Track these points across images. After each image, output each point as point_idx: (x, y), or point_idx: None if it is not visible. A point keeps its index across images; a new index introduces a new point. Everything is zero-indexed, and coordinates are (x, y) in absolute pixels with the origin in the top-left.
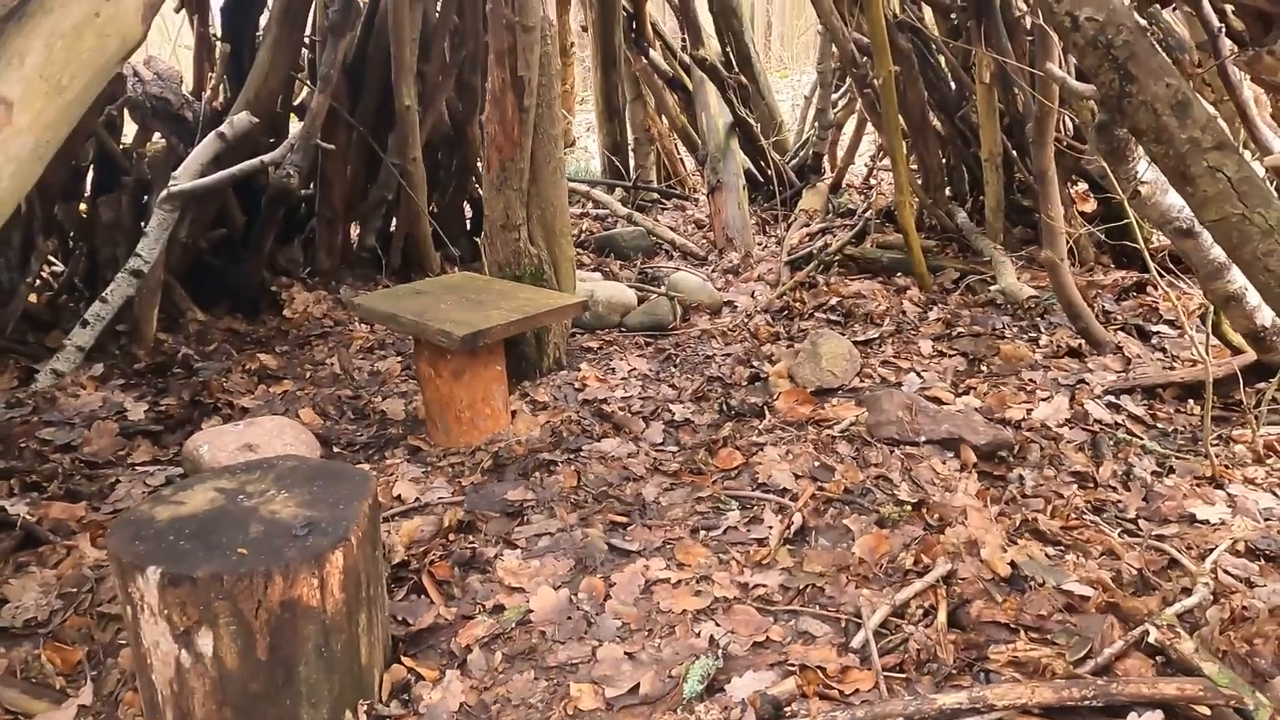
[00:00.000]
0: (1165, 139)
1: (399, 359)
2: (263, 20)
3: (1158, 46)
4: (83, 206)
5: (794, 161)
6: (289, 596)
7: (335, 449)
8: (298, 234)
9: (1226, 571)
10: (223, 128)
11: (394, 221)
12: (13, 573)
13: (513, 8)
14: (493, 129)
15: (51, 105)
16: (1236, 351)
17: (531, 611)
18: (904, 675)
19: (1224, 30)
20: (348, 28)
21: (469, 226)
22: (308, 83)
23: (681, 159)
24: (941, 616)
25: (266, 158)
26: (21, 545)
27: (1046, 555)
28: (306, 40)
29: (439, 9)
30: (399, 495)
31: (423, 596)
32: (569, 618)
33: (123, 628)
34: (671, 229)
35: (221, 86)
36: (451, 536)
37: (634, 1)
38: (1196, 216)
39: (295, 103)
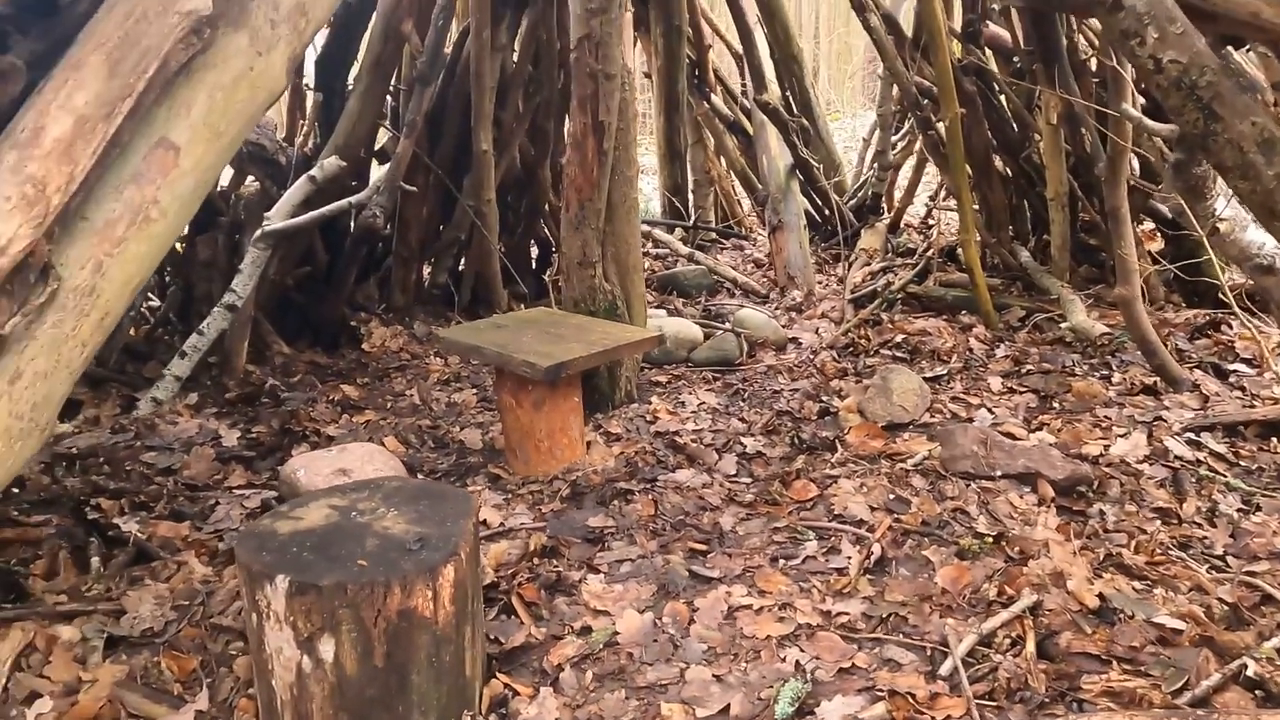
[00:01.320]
0: (1252, 175)
1: (474, 391)
2: (353, 71)
3: (1241, 86)
4: (180, 245)
5: (852, 202)
6: (406, 606)
7: (419, 475)
8: (374, 271)
9: None
10: (313, 171)
11: (464, 259)
12: (128, 586)
13: (596, 57)
14: (573, 171)
15: (211, 149)
16: None
17: (618, 634)
18: (995, 704)
19: None
20: (433, 78)
21: (535, 264)
22: (390, 128)
23: (739, 200)
24: (1030, 646)
25: (354, 199)
26: (134, 560)
27: (1134, 589)
28: (392, 89)
29: (516, 59)
30: (484, 520)
31: (513, 616)
32: (655, 640)
33: (234, 639)
34: (731, 268)
35: (313, 133)
36: (536, 560)
37: (697, 49)
38: None
39: (377, 147)
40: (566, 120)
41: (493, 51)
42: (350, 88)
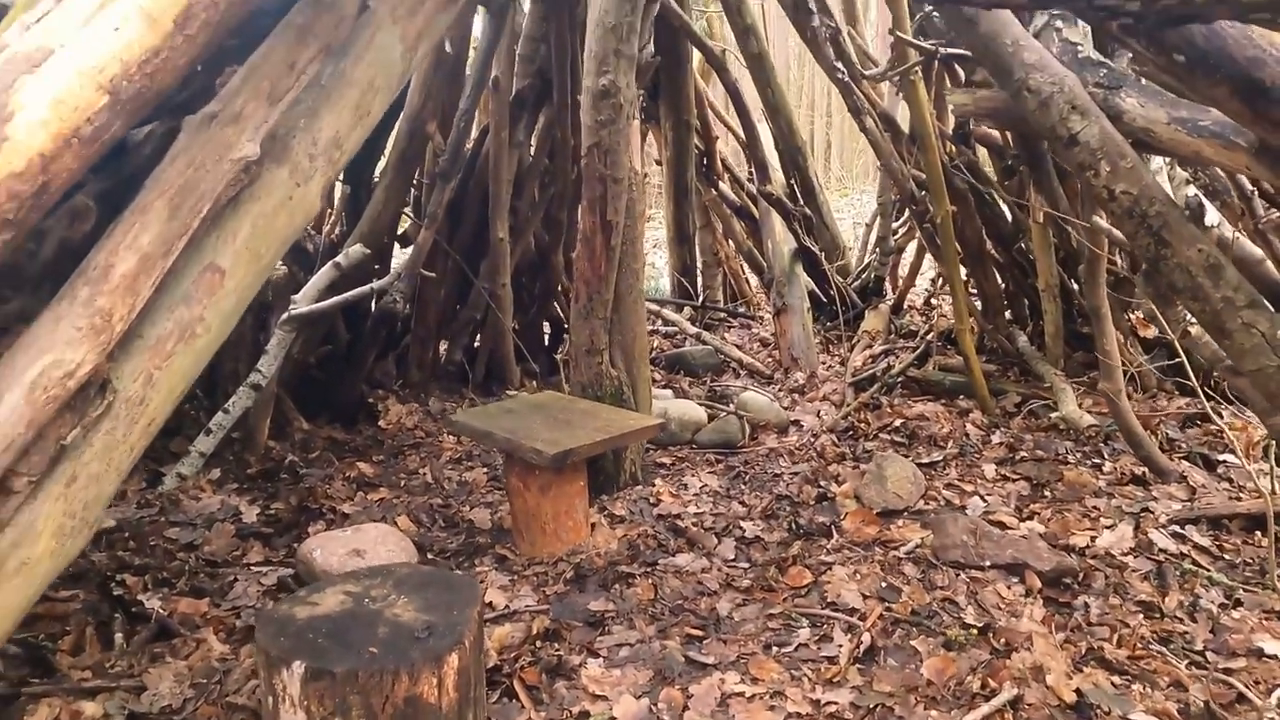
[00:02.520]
0: (1201, 297)
1: (485, 470)
2: (379, 165)
3: (1199, 196)
4: None
5: (856, 284)
6: (412, 693)
7: (429, 555)
8: (393, 348)
9: None
10: (339, 258)
11: (479, 337)
12: (150, 663)
13: (605, 163)
14: (582, 265)
15: (251, 270)
16: None
17: (615, 719)
18: None
19: (1257, 193)
20: (454, 174)
21: (547, 343)
22: (412, 217)
23: (747, 279)
24: None
25: (376, 285)
26: (156, 636)
27: (1113, 684)
28: (415, 182)
29: (532, 154)
30: (490, 602)
31: (514, 700)
32: None
33: (248, 718)
34: (738, 347)
35: (339, 222)
36: (539, 643)
37: (705, 139)
38: (1236, 366)
39: (399, 232)
40: (579, 210)
41: (510, 148)
42: (376, 181)
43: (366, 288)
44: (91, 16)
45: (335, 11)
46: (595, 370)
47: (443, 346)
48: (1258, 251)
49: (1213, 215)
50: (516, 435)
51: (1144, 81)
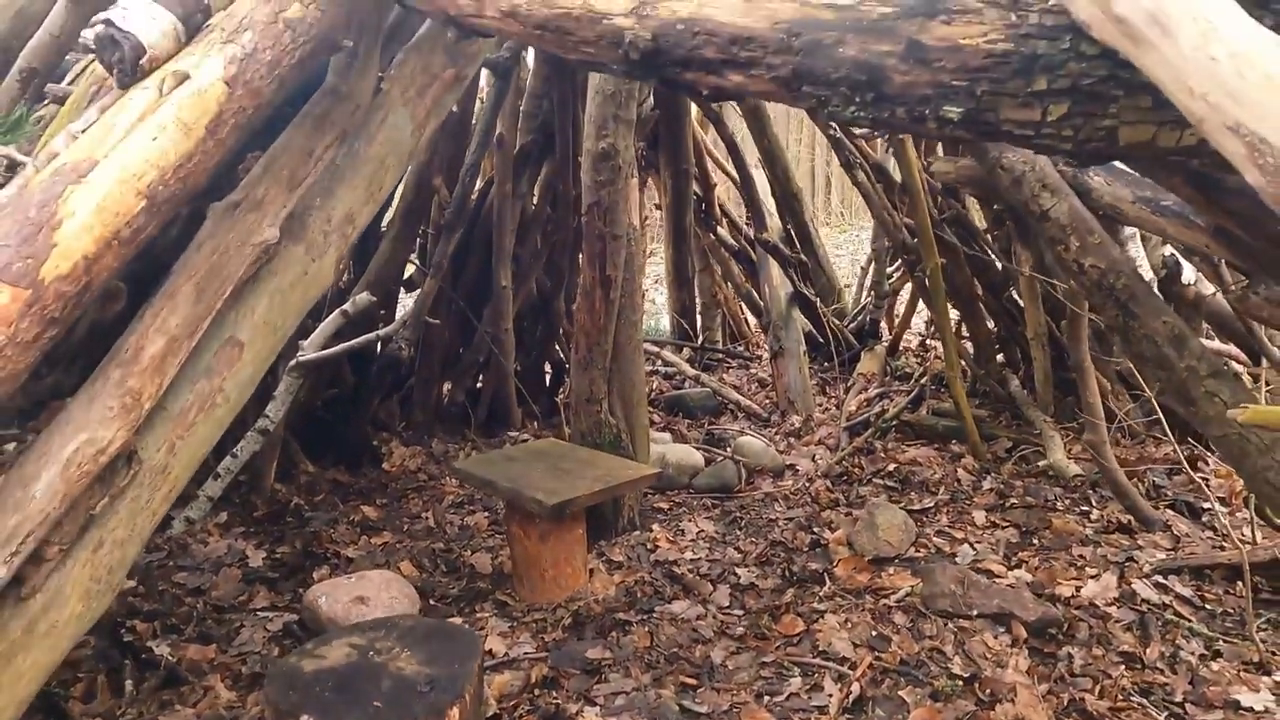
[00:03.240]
0: (1166, 366)
1: (485, 514)
2: (387, 216)
3: (1175, 255)
4: None
5: (852, 325)
6: None
7: (431, 600)
8: (396, 391)
9: None
10: (346, 306)
11: (482, 380)
12: (159, 710)
13: (604, 221)
14: (582, 317)
15: (268, 343)
16: None
17: None
18: None
19: (1224, 261)
20: (460, 225)
21: (548, 384)
22: (418, 264)
23: (746, 319)
24: None
25: (381, 333)
26: (165, 683)
27: None
28: (421, 232)
29: (534, 203)
30: (490, 650)
31: None
32: None
33: None
34: (736, 387)
35: (347, 269)
36: (537, 691)
37: (704, 186)
38: (1202, 432)
39: (404, 277)
40: (579, 258)
41: (513, 200)
42: (383, 231)
43: (373, 335)
44: (132, 127)
45: (351, 101)
46: (594, 418)
47: (446, 387)
48: (1230, 310)
49: (1189, 273)
50: (518, 484)
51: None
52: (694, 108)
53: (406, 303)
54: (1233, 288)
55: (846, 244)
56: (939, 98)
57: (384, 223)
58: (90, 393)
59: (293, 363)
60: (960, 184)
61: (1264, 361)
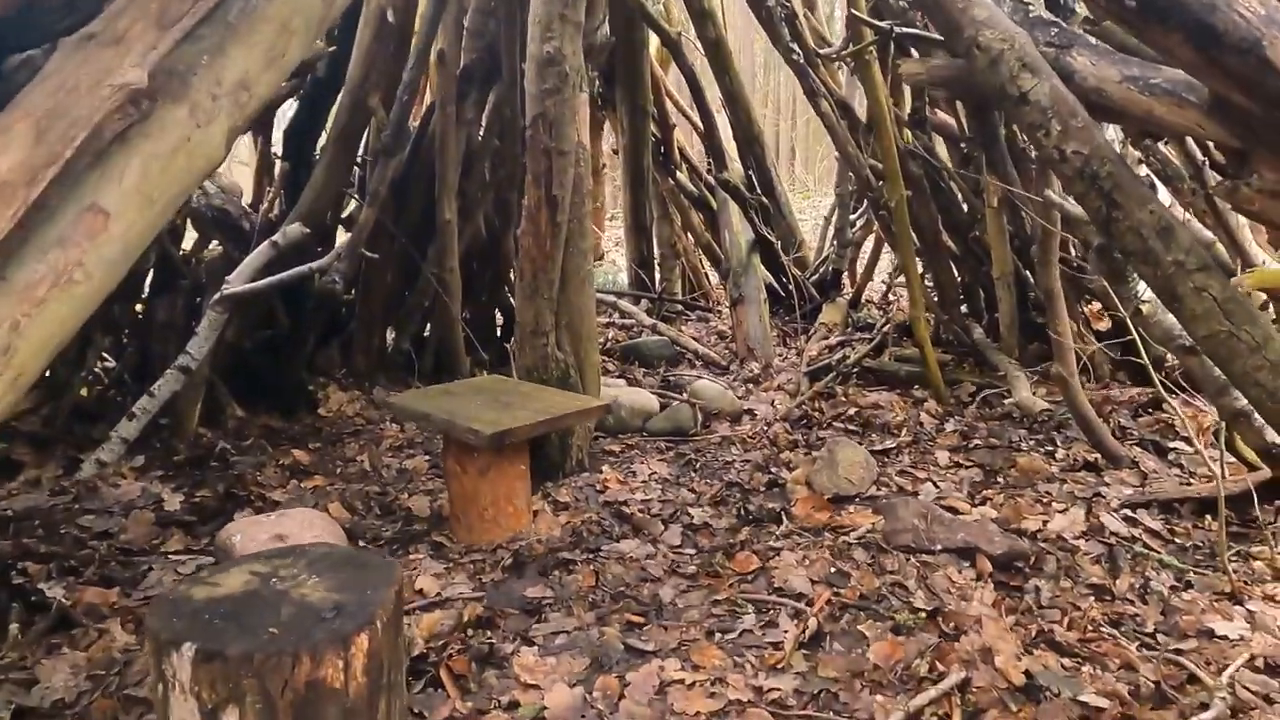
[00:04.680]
0: (1152, 260)
1: (427, 458)
2: (320, 141)
3: (1150, 177)
4: (139, 306)
5: (815, 277)
6: (314, 677)
7: (361, 543)
8: (336, 336)
9: (1245, 687)
10: (276, 237)
11: (428, 326)
12: (44, 654)
13: (550, 134)
14: (527, 242)
15: (142, 216)
16: (1253, 468)
17: (546, 709)
18: None
19: (1208, 163)
20: (398, 151)
21: (500, 332)
22: (356, 197)
23: (706, 272)
24: None
25: (314, 265)
26: (55, 627)
27: (1063, 666)
28: (359, 160)
29: (482, 133)
30: (420, 589)
31: (439, 690)
32: (583, 716)
33: (147, 710)
34: (695, 339)
35: (278, 199)
36: (470, 632)
37: (662, 128)
38: (1187, 332)
39: (344, 215)
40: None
41: (458, 125)
42: (316, 157)
43: (304, 268)
44: None
45: None
46: (541, 352)
47: (390, 335)
48: (1208, 234)
49: (1164, 197)
50: (454, 416)
51: (1095, 41)
52: (654, 40)
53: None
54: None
55: (809, 209)
56: None
57: (317, 149)
58: None
59: (217, 296)
60: (933, 84)
61: (1239, 268)
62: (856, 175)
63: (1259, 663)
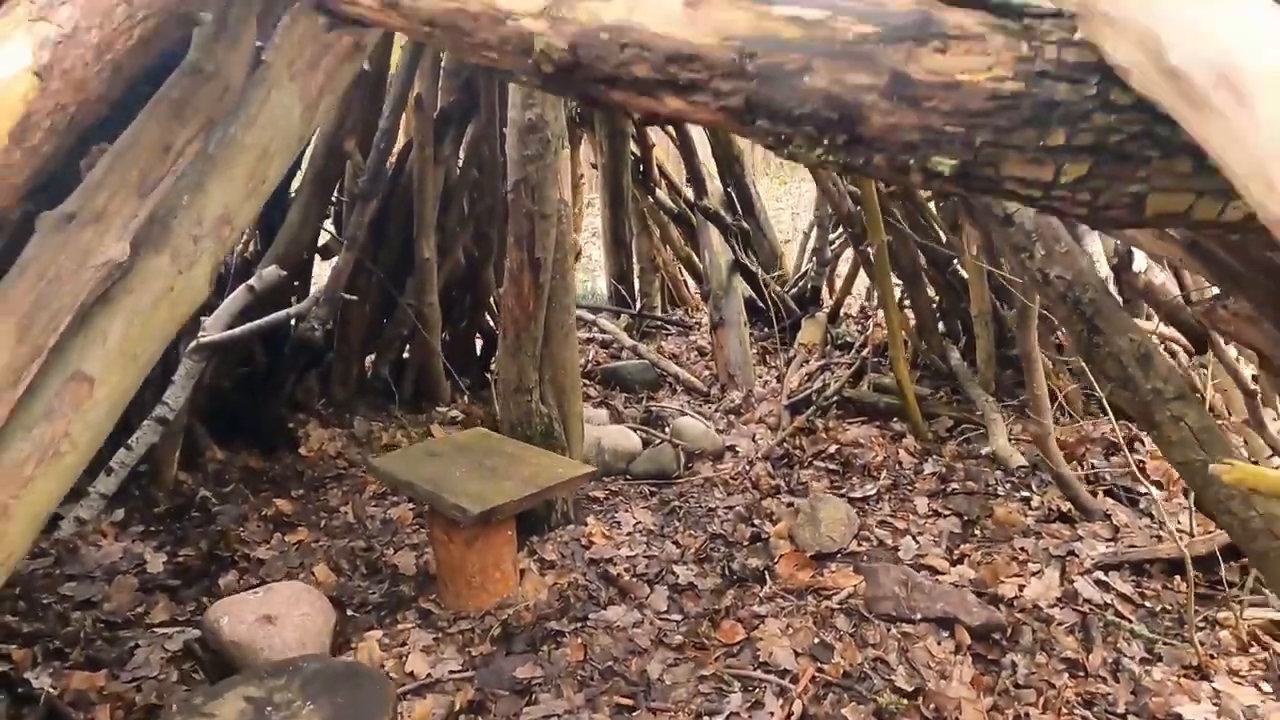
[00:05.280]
0: (1131, 386)
1: (410, 506)
2: (295, 182)
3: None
4: None
5: (793, 291)
6: None
7: (349, 610)
8: (315, 367)
9: None
10: (252, 281)
11: (406, 349)
12: None
13: (533, 198)
14: (510, 302)
15: (125, 376)
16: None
17: None
18: None
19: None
20: (375, 193)
21: (479, 355)
22: (332, 233)
23: (685, 283)
24: None
25: (292, 310)
26: None
27: None
28: (334, 200)
29: (460, 167)
30: (411, 671)
31: None
32: None
33: None
34: (675, 356)
35: (253, 240)
36: (463, 718)
37: (642, 146)
38: (1164, 456)
39: (320, 244)
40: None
41: (435, 165)
42: (291, 198)
43: (282, 314)
44: None
45: (220, 80)
46: (525, 408)
47: (369, 360)
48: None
49: (1140, 261)
50: (439, 488)
51: None
52: None
53: (324, 274)
54: (1193, 294)
55: (786, 197)
56: (927, 145)
57: (292, 189)
58: None
59: (194, 344)
60: None
61: (1210, 353)
62: (837, 211)
63: None
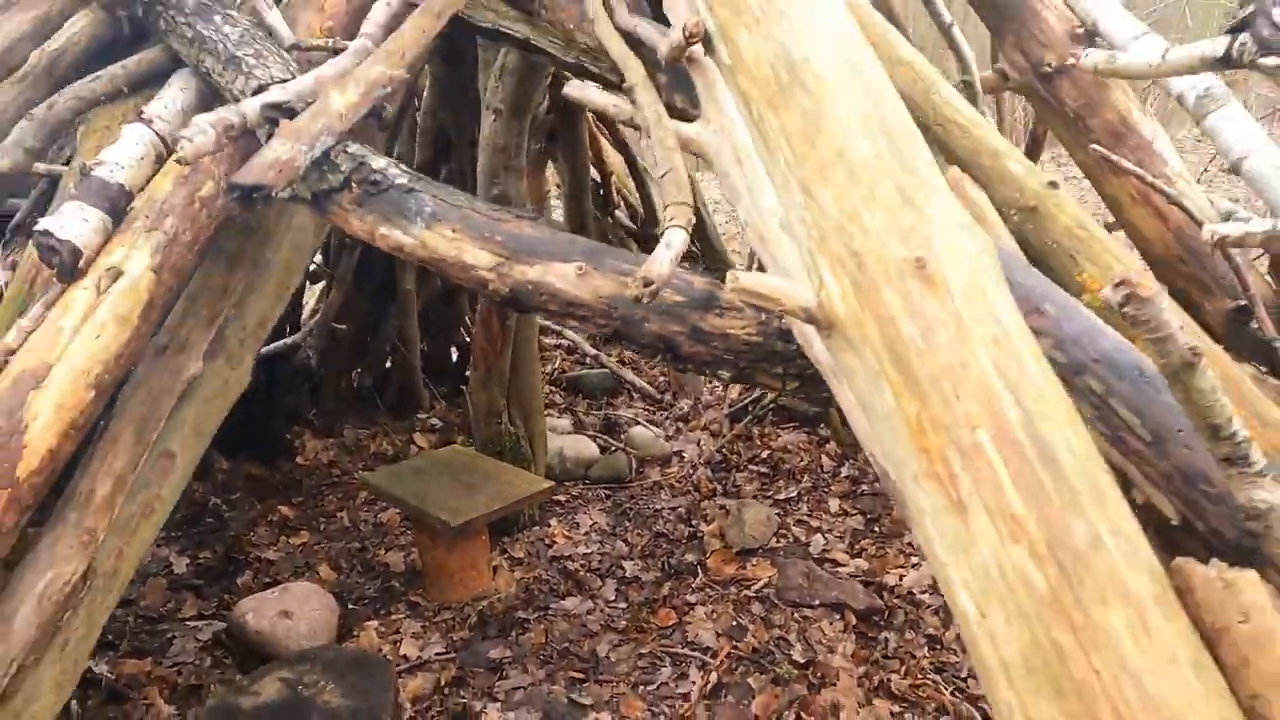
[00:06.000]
0: None
1: (398, 510)
2: None
3: None
4: None
5: None
6: None
7: (350, 604)
8: (306, 382)
9: None
10: None
11: (389, 361)
12: None
13: None
14: (479, 341)
15: (195, 449)
16: None
17: None
18: None
19: None
20: (360, 242)
21: (455, 362)
22: (320, 264)
23: None
24: None
25: (289, 341)
26: (107, 700)
27: (891, 713)
28: (324, 242)
29: None
30: (404, 654)
31: None
32: None
33: None
34: (633, 364)
35: None
36: (446, 691)
37: (601, 174)
38: None
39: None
40: None
41: None
42: None
43: (280, 344)
44: (77, 328)
45: (261, 230)
46: (495, 430)
47: (355, 373)
48: None
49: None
50: (425, 503)
51: None
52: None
53: (312, 295)
54: None
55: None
56: (715, 364)
57: None
58: (53, 534)
59: None
60: None
61: None
62: None
63: None
